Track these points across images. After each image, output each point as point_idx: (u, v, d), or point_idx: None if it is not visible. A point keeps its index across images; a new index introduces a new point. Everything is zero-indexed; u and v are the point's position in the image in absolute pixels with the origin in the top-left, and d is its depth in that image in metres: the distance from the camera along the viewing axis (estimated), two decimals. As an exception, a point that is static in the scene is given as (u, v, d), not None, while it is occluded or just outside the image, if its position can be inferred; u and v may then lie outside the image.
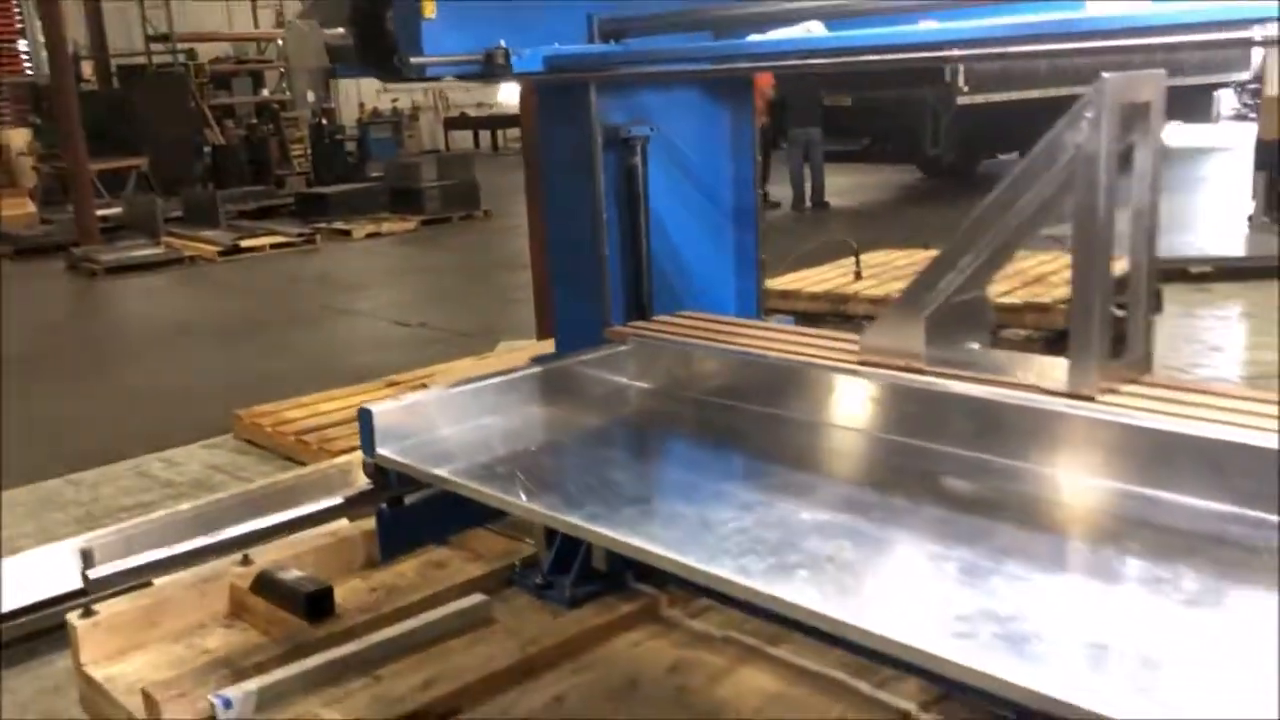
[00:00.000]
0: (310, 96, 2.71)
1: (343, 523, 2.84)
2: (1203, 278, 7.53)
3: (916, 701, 2.38)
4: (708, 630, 2.72)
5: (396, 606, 2.84)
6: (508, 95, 16.91)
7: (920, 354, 2.23)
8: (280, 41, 20.17)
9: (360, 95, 24.09)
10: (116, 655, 2.74)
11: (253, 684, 2.48)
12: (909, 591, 1.65)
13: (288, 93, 19.30)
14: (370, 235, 13.24)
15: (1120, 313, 2.05)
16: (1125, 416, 1.89)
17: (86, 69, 19.46)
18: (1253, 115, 11.82)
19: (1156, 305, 4.68)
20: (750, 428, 2.40)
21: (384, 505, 2.44)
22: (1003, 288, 4.53)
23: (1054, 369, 2.06)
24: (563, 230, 3.04)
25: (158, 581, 2.81)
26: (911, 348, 2.24)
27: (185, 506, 2.39)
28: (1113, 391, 1.97)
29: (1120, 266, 2.01)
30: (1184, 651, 1.41)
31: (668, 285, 3.05)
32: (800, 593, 1.57)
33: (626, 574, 2.86)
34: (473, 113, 25.61)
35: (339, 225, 13.49)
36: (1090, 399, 1.95)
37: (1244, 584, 1.57)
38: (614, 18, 2.73)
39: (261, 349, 7.87)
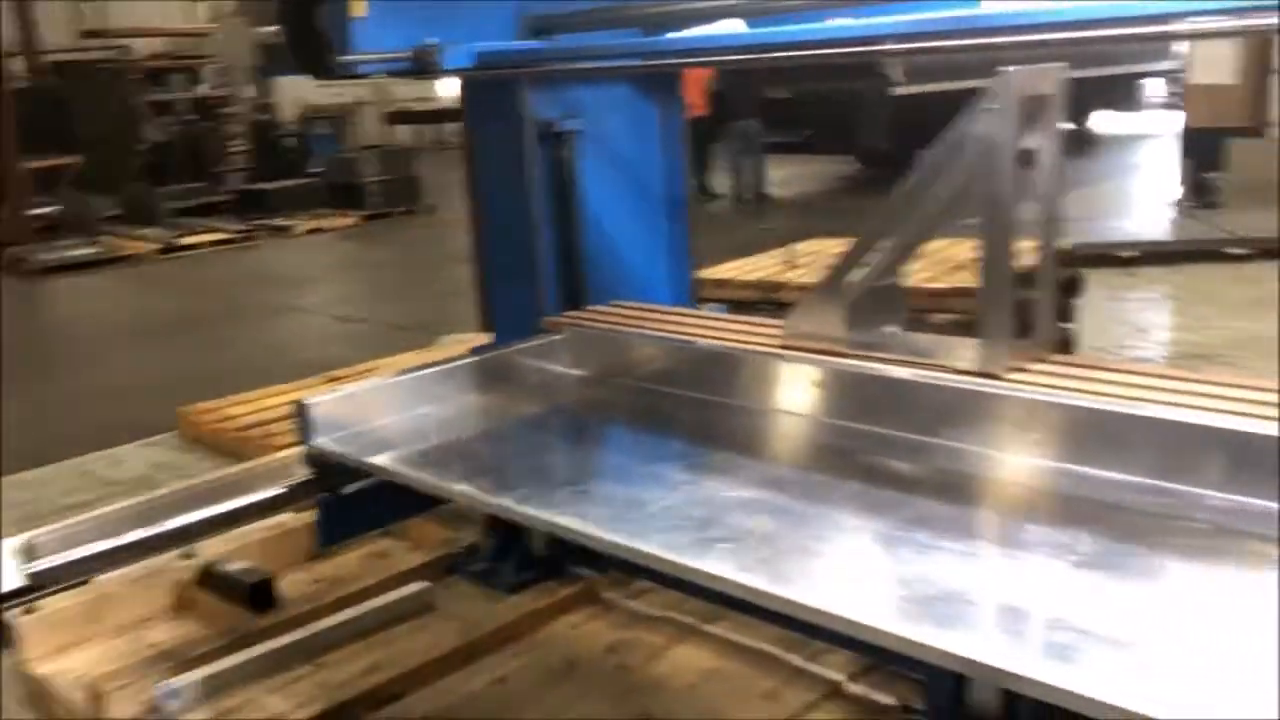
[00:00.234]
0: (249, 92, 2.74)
1: (286, 516, 2.88)
2: (1131, 262, 7.72)
3: (845, 673, 2.48)
4: (645, 610, 2.80)
5: (339, 595, 2.89)
6: (449, 89, 16.83)
7: (841, 338, 2.32)
8: (221, 37, 19.91)
9: (301, 91, 23.82)
10: (60, 651, 2.76)
11: (197, 674, 2.52)
12: (825, 561, 1.74)
13: (226, 88, 19.06)
14: (312, 231, 13.14)
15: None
16: (1030, 393, 2.00)
17: (19, 64, 19.06)
18: (1180, 103, 12.12)
19: (1074, 289, 4.83)
20: (681, 412, 2.48)
21: (324, 495, 2.49)
22: (930, 273, 4.66)
23: (966, 349, 2.16)
24: (498, 224, 3.10)
25: (101, 577, 2.83)
26: (833, 332, 2.33)
27: (128, 502, 2.41)
28: (1020, 370, 2.08)
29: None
30: (1091, 612, 1.49)
31: (603, 276, 3.12)
32: (720, 565, 1.65)
33: (566, 559, 2.93)
34: (416, 107, 25.42)
35: (280, 222, 13.37)
36: (997, 377, 2.05)
37: (1139, 547, 1.68)
38: (542, 15, 2.79)
39: (203, 346, 7.83)
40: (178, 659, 2.64)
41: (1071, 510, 1.82)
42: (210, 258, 11.81)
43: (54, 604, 2.78)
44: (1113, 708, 1.24)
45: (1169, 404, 1.90)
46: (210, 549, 2.99)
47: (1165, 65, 16.83)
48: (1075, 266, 4.95)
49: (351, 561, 3.13)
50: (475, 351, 2.72)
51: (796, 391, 2.36)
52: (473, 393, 2.62)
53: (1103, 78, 15.21)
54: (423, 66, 2.51)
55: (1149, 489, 1.84)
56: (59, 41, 20.69)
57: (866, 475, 2.02)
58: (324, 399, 2.40)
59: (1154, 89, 18.80)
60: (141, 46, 22.11)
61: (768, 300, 4.94)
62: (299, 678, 2.57)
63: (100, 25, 20.41)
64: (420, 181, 14.33)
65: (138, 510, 2.35)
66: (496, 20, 2.74)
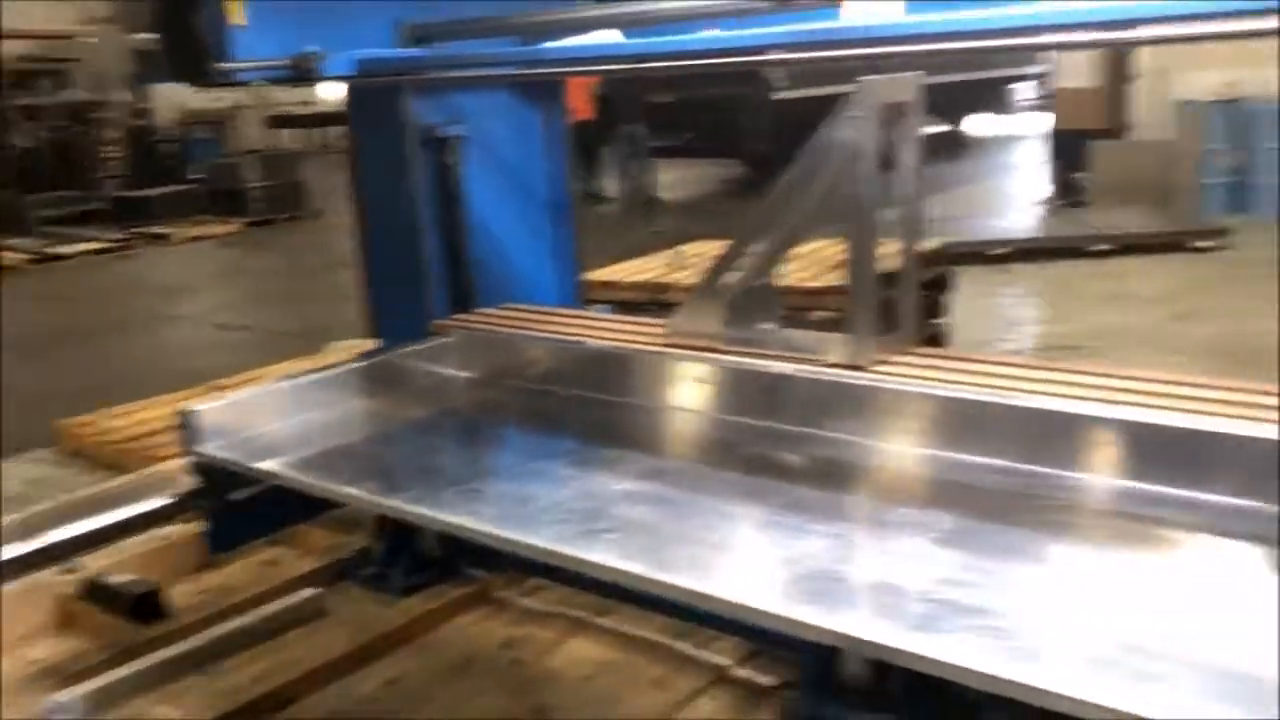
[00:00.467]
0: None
1: (172, 527, 2.85)
2: (1003, 259, 8.04)
3: (733, 658, 2.57)
4: (538, 607, 2.85)
5: (229, 604, 2.87)
6: (332, 93, 16.56)
7: (720, 335, 2.42)
8: (95, 40, 19.26)
9: (180, 96, 23.18)
10: (-63, 672, 2.69)
11: (84, 688, 2.48)
12: (705, 546, 1.82)
13: (100, 93, 18.46)
14: (192, 239, 12.83)
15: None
16: (893, 383, 2.12)
17: None
18: (1049, 106, 12.64)
19: (944, 285, 5.04)
20: (568, 410, 2.55)
21: (211, 503, 2.48)
22: (810, 272, 4.80)
23: (836, 344, 2.27)
24: (383, 228, 3.12)
25: (-23, 596, 2.77)
26: (712, 330, 2.43)
27: (7, 517, 2.37)
28: (884, 362, 2.20)
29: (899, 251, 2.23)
30: (955, 587, 1.59)
31: (490, 279, 3.16)
32: (604, 554, 1.72)
33: (459, 561, 2.96)
34: (298, 112, 24.95)
35: (159, 229, 13.02)
36: (864, 369, 2.17)
37: (992, 524, 1.80)
38: (421, 23, 2.83)
39: (81, 359, 7.60)
40: (62, 674, 2.60)
41: (932, 492, 1.93)
42: (87, 267, 11.44)
43: (-71, 625, 2.72)
44: (971, 672, 1.34)
45: (1019, 391, 2.04)
46: (94, 563, 2.94)
47: (1035, 70, 17.51)
48: (948, 264, 5.15)
49: (240, 571, 3.11)
50: (363, 356, 2.74)
51: (678, 387, 2.44)
52: (361, 397, 2.64)
53: (976, 82, 15.77)
54: (303, 74, 2.52)
55: (1000, 469, 1.97)
56: (-84, 44, 19.76)
57: (744, 465, 2.12)
58: (210, 406, 2.40)
59: (1024, 93, 19.53)
60: (8, 50, 21.25)
61: (655, 301, 5.02)
62: (189, 688, 2.55)
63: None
64: (305, 186, 14.09)
65: (17, 525, 2.31)
66: (374, 28, 2.76)
